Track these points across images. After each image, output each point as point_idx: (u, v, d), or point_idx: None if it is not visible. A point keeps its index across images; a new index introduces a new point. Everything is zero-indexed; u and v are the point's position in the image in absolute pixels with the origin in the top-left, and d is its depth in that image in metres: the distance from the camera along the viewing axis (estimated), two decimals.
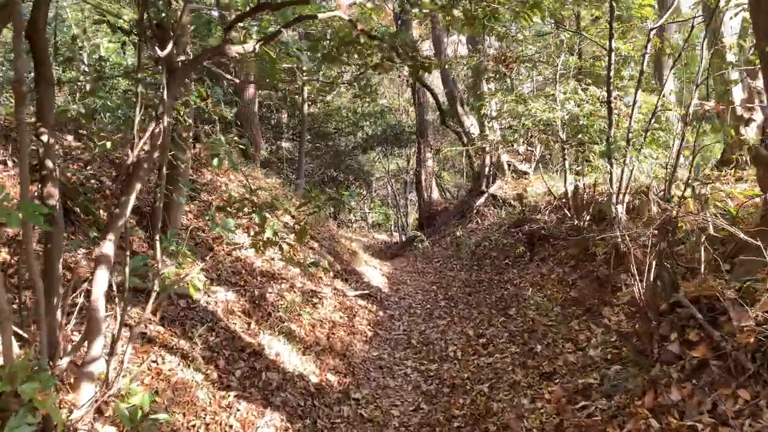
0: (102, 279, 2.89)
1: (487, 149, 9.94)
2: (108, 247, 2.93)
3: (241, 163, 10.38)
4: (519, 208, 9.96)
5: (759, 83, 6.36)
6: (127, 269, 3.01)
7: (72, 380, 3.01)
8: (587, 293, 5.15)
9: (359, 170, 22.49)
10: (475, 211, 12.09)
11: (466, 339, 6.06)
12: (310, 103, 18.27)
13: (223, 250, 6.64)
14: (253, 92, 14.33)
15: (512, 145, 7.54)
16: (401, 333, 7.09)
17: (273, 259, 7.22)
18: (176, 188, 5.79)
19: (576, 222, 6.60)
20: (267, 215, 4.24)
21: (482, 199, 12.30)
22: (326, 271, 8.05)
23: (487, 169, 12.80)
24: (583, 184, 7.33)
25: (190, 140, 6.70)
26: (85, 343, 2.91)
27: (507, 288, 7.15)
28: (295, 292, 6.81)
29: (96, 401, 2.85)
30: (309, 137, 21.67)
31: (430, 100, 15.32)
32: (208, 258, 5.88)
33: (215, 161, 3.45)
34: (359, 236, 27.06)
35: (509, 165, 12.75)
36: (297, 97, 16.61)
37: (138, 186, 3.15)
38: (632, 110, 5.00)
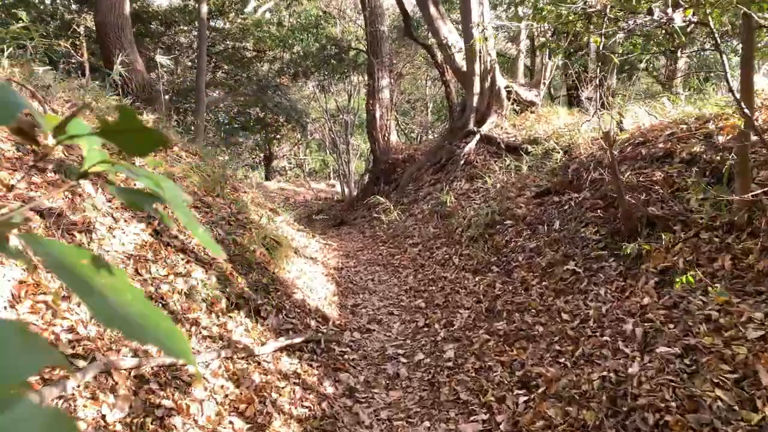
0: None
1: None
2: None
3: (91, 92, 5.88)
4: (560, 158, 5.91)
5: None
6: None
7: None
8: None
9: (291, 108, 17.85)
10: (463, 161, 8.02)
11: None
12: (215, 13, 13.34)
13: None
14: None
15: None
16: None
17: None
18: None
19: None
20: None
21: (472, 144, 8.22)
22: (212, 303, 3.83)
23: (475, 99, 8.67)
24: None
25: None
26: None
27: (633, 353, 3.17)
28: (114, 393, 2.65)
29: None
30: (225, 66, 16.70)
31: (386, 2, 10.83)
32: None
33: None
34: (294, 186, 22.67)
35: (509, 92, 8.67)
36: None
37: None
38: None
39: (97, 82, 7.38)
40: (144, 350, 3.07)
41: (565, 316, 3.74)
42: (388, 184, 10.40)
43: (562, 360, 3.33)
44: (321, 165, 28.34)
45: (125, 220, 3.97)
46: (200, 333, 3.49)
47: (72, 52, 9.97)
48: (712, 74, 13.11)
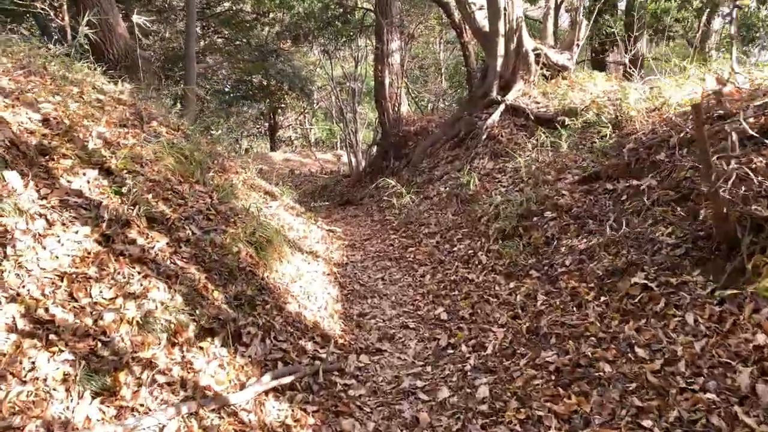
0: None
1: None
2: None
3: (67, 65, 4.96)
4: (610, 135, 4.89)
5: None
6: None
7: None
8: None
9: (294, 76, 16.77)
10: (485, 135, 7.00)
11: None
12: None
13: None
14: None
15: None
16: None
17: None
18: None
19: None
20: None
21: (496, 115, 7.19)
22: (175, 333, 2.93)
23: (499, 63, 7.60)
24: None
25: None
26: None
27: None
28: None
29: None
30: (225, 31, 15.54)
31: None
32: None
33: None
34: (300, 157, 21.61)
35: (538, 55, 7.58)
36: None
37: None
38: None
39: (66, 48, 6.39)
40: (63, 421, 2.20)
41: (640, 352, 2.81)
42: (399, 160, 9.41)
43: (647, 423, 2.42)
44: (327, 134, 27.19)
45: (63, 224, 3.05)
46: (155, 380, 2.60)
47: (51, 15, 8.95)
48: (758, 35, 11.82)
